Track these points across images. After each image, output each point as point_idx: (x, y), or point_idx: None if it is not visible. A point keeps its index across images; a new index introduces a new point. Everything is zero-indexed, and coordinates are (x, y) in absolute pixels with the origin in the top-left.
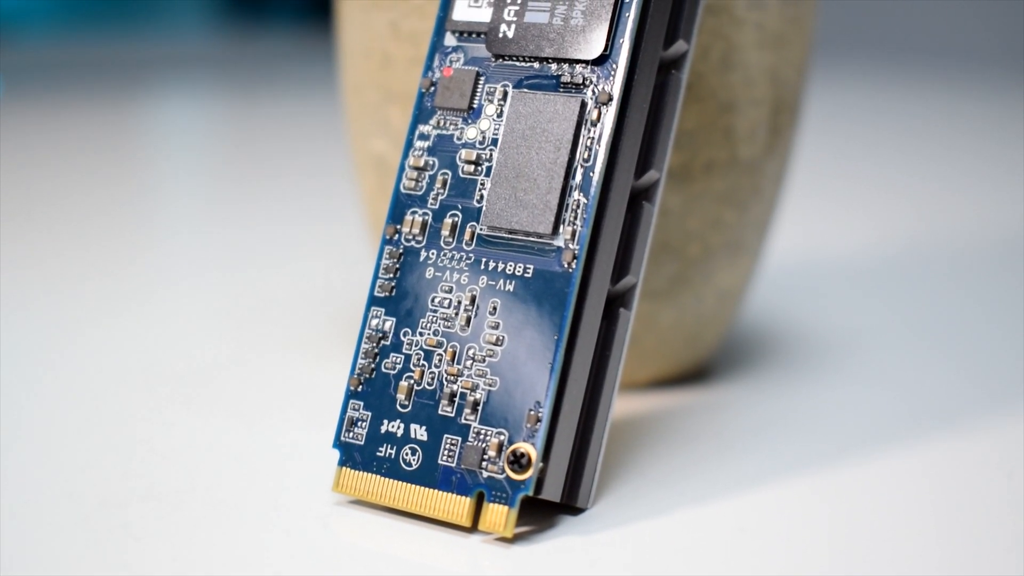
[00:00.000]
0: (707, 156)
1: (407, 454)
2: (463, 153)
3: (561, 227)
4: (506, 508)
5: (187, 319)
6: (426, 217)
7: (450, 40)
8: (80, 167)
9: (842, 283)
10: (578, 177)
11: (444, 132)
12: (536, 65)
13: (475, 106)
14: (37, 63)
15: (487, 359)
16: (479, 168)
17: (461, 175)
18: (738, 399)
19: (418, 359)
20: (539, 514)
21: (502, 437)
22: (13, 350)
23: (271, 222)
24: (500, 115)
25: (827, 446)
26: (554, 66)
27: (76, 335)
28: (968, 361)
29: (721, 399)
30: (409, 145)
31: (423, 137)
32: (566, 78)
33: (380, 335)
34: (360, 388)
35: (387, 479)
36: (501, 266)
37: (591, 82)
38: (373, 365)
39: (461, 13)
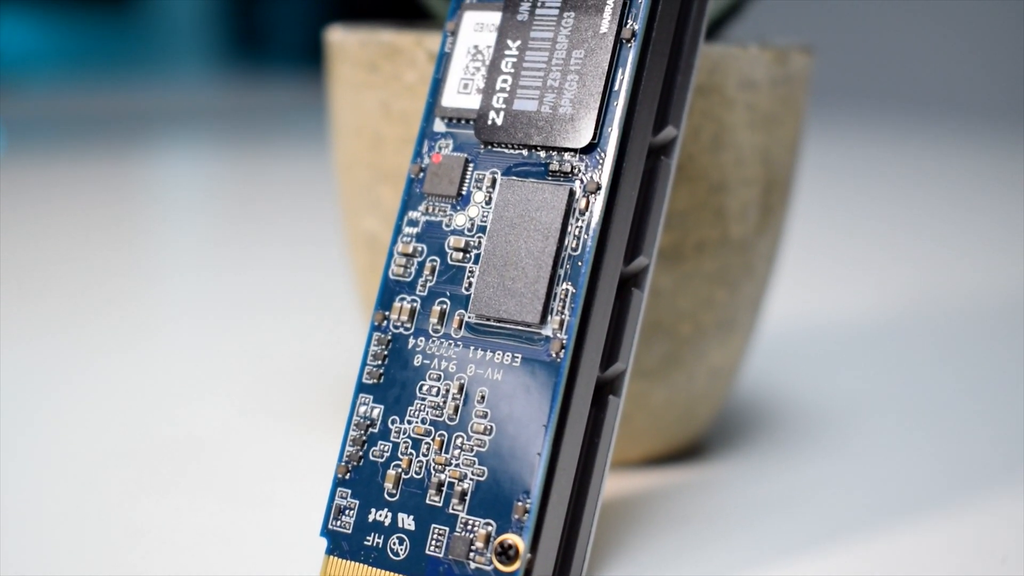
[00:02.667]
0: (698, 236)
1: (395, 543)
2: (451, 240)
3: (549, 316)
4: None
5: (177, 385)
6: (415, 304)
7: (439, 126)
8: (74, 225)
9: (838, 354)
10: (566, 266)
11: (433, 219)
12: (525, 152)
13: (464, 193)
14: (39, 113)
15: (475, 448)
16: (467, 255)
17: (450, 262)
18: (733, 476)
19: (406, 447)
20: None
21: (490, 528)
22: None
23: (266, 284)
24: (489, 202)
25: (824, 525)
26: (543, 154)
27: (62, 397)
28: (968, 431)
29: (715, 477)
30: (398, 231)
31: (412, 223)
32: (555, 166)
33: (368, 422)
34: (348, 476)
35: (375, 569)
36: (489, 355)
37: (579, 171)
38: (361, 453)
39: (450, 99)
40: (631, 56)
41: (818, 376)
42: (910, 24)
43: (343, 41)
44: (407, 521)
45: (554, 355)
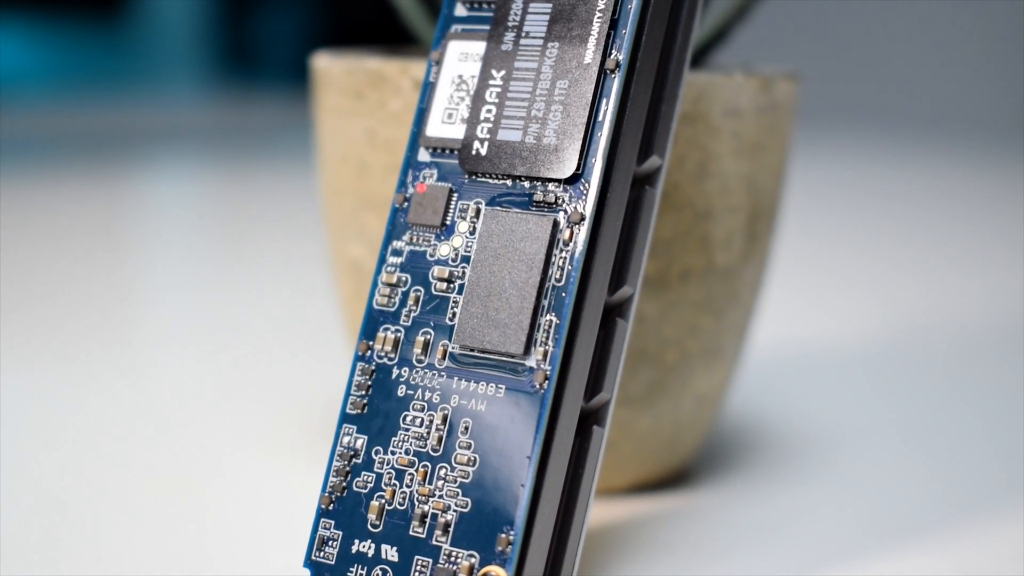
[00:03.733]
0: (684, 264)
1: (378, 575)
2: (436, 270)
3: (533, 347)
4: None
5: (161, 410)
6: (398, 334)
7: (424, 155)
8: (57, 246)
9: (824, 380)
10: (550, 297)
11: (417, 248)
12: (509, 183)
13: (448, 223)
14: (26, 129)
15: (459, 480)
16: (452, 285)
17: (434, 292)
18: (719, 503)
19: (389, 478)
20: None
21: (473, 560)
22: None
23: (254, 307)
24: (473, 232)
25: (811, 553)
26: (527, 184)
27: (43, 422)
28: (956, 456)
29: (701, 504)
30: (382, 261)
31: (396, 253)
32: (539, 196)
33: (352, 453)
34: (331, 507)
35: None
36: (473, 386)
37: (563, 201)
38: (344, 483)
39: (435, 129)
40: (615, 87)
41: (804, 402)
42: (896, 47)
43: (329, 68)
44: (390, 552)
45: (538, 386)
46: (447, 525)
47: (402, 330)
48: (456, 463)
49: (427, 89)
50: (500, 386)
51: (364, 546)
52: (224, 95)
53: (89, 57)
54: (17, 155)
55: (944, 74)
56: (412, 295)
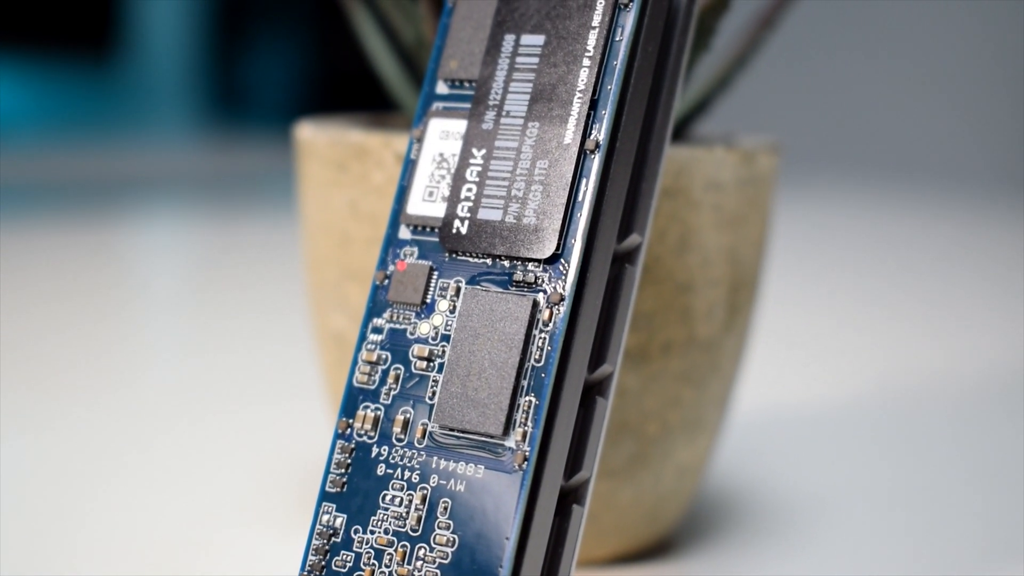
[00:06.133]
0: (665, 336)
1: None
2: (416, 349)
3: (512, 428)
4: None
5: (136, 476)
6: (378, 412)
7: (405, 233)
8: (38, 296)
9: (806, 448)
10: (530, 377)
11: (397, 326)
12: (489, 262)
13: (428, 301)
14: (16, 174)
15: (438, 560)
16: (432, 364)
17: (414, 371)
18: (701, 574)
19: (368, 558)
20: None
21: None
22: None
23: (238, 368)
24: (453, 311)
25: None
26: (507, 263)
27: (16, 485)
28: (940, 523)
29: (683, 575)
30: (362, 339)
31: (376, 330)
32: (518, 276)
33: (331, 531)
34: None
35: None
36: (452, 465)
37: (543, 281)
38: (324, 562)
39: (416, 207)
40: (595, 167)
41: (787, 470)
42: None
43: (312, 139)
44: None
45: (517, 467)
46: None
47: (382, 408)
48: (435, 543)
49: (408, 167)
50: (479, 466)
51: None
52: (214, 138)
53: (78, 100)
54: (3, 199)
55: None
56: (392, 373)
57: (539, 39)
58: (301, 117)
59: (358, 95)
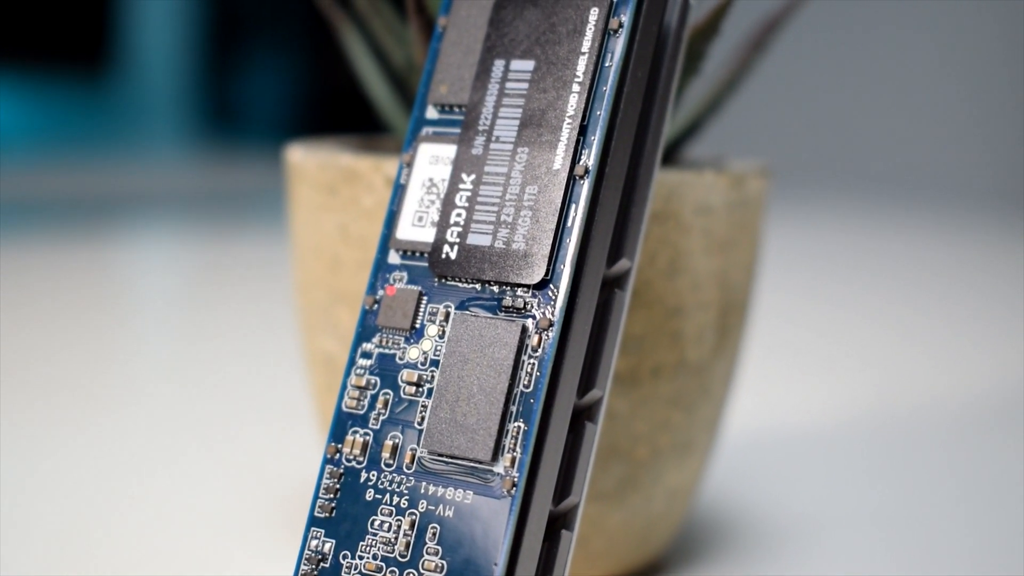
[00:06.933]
0: (655, 360)
1: None
2: (405, 374)
3: (501, 454)
4: None
5: (125, 498)
6: (367, 438)
7: (394, 258)
8: (27, 316)
9: (797, 469)
10: (519, 403)
11: (386, 351)
12: (478, 287)
13: (417, 326)
14: (9, 191)
15: None
16: (420, 389)
17: (403, 396)
18: None
19: None
20: None
21: None
22: None
23: (230, 388)
24: (442, 336)
25: None
26: (496, 289)
27: (17, 497)
28: (933, 544)
29: None
30: (351, 363)
31: (366, 355)
32: (507, 301)
33: (319, 557)
34: None
35: None
36: (441, 491)
37: (532, 307)
38: None
39: (405, 232)
40: (584, 192)
41: (777, 493)
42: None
43: (303, 163)
44: None
45: (506, 492)
46: None
47: (371, 433)
48: (424, 569)
49: (397, 191)
50: (468, 492)
51: None
52: (207, 156)
53: (72, 117)
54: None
55: (915, 161)
56: (381, 398)
57: (529, 64)
58: (294, 135)
59: (351, 113)
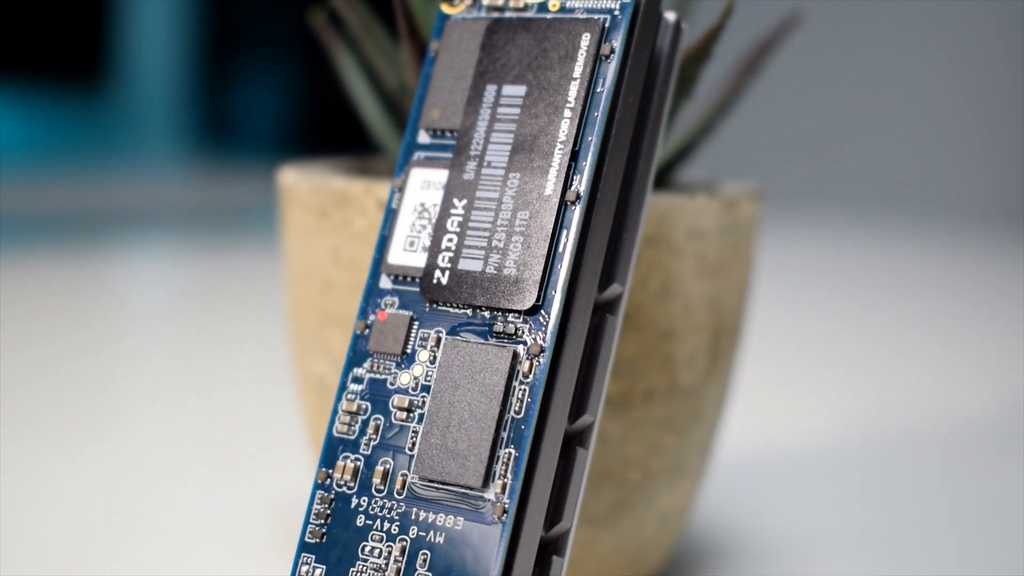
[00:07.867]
0: (647, 384)
1: None
2: (396, 399)
3: (492, 480)
4: None
5: (113, 518)
6: (358, 463)
7: (385, 282)
8: (19, 332)
9: (792, 491)
10: (509, 429)
11: (377, 376)
12: (469, 312)
13: (409, 351)
14: (4, 204)
15: None
16: (411, 415)
17: (394, 421)
18: None
19: None
20: None
21: None
22: None
23: (223, 407)
24: (433, 361)
25: None
26: (487, 314)
27: (5, 520)
28: (927, 568)
29: None
30: (343, 388)
31: (357, 380)
32: (499, 327)
33: None
34: None
35: None
36: (432, 517)
37: (523, 333)
38: None
39: (396, 257)
40: (575, 218)
41: (769, 516)
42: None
43: (295, 185)
44: None
45: (497, 519)
46: None
47: (362, 459)
48: None
49: (389, 216)
50: (459, 518)
51: None
52: (202, 170)
53: (67, 131)
54: None
55: (908, 183)
56: (372, 423)
57: (521, 89)
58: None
59: (346, 128)
